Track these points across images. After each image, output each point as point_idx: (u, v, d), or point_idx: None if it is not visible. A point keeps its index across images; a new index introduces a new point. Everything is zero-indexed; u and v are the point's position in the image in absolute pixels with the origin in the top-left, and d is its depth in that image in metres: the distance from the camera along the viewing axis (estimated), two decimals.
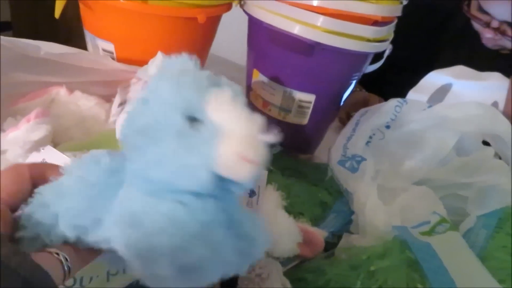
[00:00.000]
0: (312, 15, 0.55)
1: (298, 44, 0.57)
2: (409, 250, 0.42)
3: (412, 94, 0.98)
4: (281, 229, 0.42)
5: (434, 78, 0.90)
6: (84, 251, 0.28)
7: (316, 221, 0.53)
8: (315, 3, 0.55)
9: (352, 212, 0.53)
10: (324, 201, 0.55)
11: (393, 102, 0.54)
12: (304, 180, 0.60)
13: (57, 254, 0.26)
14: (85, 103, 0.52)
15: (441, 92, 0.89)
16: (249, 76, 0.69)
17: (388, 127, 0.54)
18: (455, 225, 0.47)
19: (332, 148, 0.55)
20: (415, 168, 0.53)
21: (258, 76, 0.66)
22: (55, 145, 0.46)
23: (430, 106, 0.55)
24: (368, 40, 0.57)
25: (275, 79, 0.63)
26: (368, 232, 0.46)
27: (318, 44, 0.56)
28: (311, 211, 0.54)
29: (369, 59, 0.64)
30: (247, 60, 0.70)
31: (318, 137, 0.74)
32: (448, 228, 0.45)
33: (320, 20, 0.54)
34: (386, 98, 0.89)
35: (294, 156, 0.71)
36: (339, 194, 0.57)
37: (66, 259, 0.26)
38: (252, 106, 0.70)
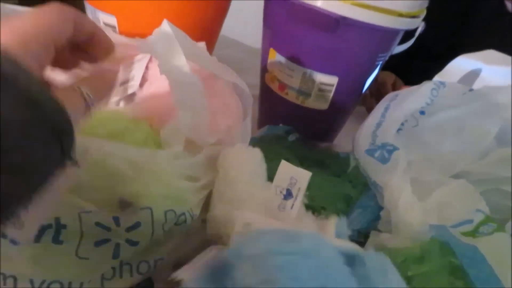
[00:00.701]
0: None
1: (320, 19, 0.51)
2: (451, 253, 0.37)
3: (438, 80, 0.92)
4: None
5: (462, 63, 0.83)
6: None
7: (340, 217, 0.47)
8: None
9: (380, 208, 0.48)
10: (348, 195, 0.50)
11: (429, 84, 0.48)
12: (325, 171, 0.54)
13: (79, 88, 0.27)
14: None
15: (470, 78, 0.82)
16: (264, 56, 0.63)
17: (422, 112, 0.48)
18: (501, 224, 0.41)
19: (358, 136, 0.49)
20: (452, 160, 0.47)
21: (274, 56, 0.60)
22: None
23: (471, 90, 0.49)
24: (400, 15, 0.51)
25: (293, 59, 0.57)
26: (402, 231, 0.40)
27: (343, 18, 0.49)
28: (334, 205, 0.48)
29: (399, 38, 0.58)
30: (263, 39, 0.64)
31: (339, 124, 0.68)
32: (495, 229, 0.39)
33: None
34: (407, 83, 0.83)
35: (313, 145, 0.65)
36: (365, 187, 0.51)
37: (89, 95, 0.27)
38: (267, 89, 0.64)
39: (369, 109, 0.80)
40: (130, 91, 0.47)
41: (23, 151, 0.21)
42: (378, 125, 0.47)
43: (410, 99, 0.47)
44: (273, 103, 0.65)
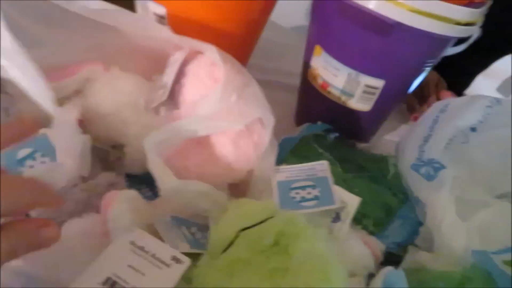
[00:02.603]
0: None
1: (374, 22, 0.49)
2: (493, 283, 0.37)
3: (481, 79, 0.89)
4: (354, 256, 0.37)
5: (509, 63, 0.80)
6: None
7: (378, 226, 0.47)
8: None
9: (420, 222, 0.47)
10: (388, 203, 0.49)
11: (483, 101, 0.46)
12: (365, 176, 0.54)
13: None
14: (124, 87, 0.46)
15: None
16: (309, 51, 0.62)
17: (473, 129, 0.47)
18: None
19: (404, 147, 0.49)
20: (498, 180, 0.46)
21: (320, 53, 0.58)
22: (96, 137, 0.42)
23: None
24: (458, 23, 0.49)
25: (340, 58, 0.56)
26: (444, 254, 0.40)
27: (399, 24, 0.48)
28: (374, 213, 0.48)
29: (451, 44, 0.55)
30: (309, 34, 0.63)
31: (379, 125, 0.67)
32: None
33: None
34: (448, 81, 0.81)
35: (351, 144, 0.64)
36: (405, 197, 0.50)
37: None
38: (308, 85, 0.63)
39: (409, 107, 0.78)
40: (162, 98, 0.46)
41: None
42: (426, 139, 0.46)
43: (462, 115, 0.46)
44: (313, 100, 0.64)
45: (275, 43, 0.87)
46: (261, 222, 0.32)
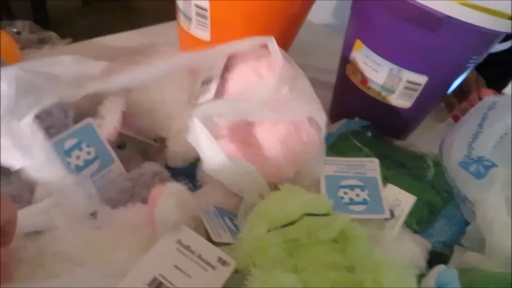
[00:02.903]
0: None
1: (422, 15, 0.48)
2: None
3: None
4: (406, 256, 0.36)
5: None
6: None
7: (422, 225, 0.46)
8: None
9: (466, 221, 0.46)
10: (432, 202, 0.48)
11: None
12: (406, 173, 0.53)
13: None
14: (168, 82, 0.46)
15: None
16: (348, 46, 0.61)
17: None
18: None
19: (450, 144, 0.47)
20: None
21: (361, 48, 0.57)
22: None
23: None
24: (510, 18, 0.47)
25: (382, 53, 0.55)
26: (496, 254, 0.39)
27: (448, 18, 0.46)
28: (417, 212, 0.46)
29: (499, 41, 0.54)
30: (348, 28, 0.62)
31: (418, 122, 0.65)
32: None
33: None
34: (486, 79, 0.79)
35: (389, 141, 0.63)
36: (449, 195, 0.49)
37: None
38: (346, 81, 0.62)
39: (448, 104, 0.76)
40: (207, 97, 0.46)
41: None
42: (475, 136, 0.45)
43: None
44: (351, 96, 0.63)
45: (306, 39, 0.86)
46: (324, 214, 0.32)
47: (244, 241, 0.31)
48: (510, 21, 0.47)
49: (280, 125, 0.43)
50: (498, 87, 0.83)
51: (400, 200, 0.40)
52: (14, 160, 0.33)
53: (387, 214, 0.39)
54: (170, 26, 0.81)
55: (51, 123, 0.41)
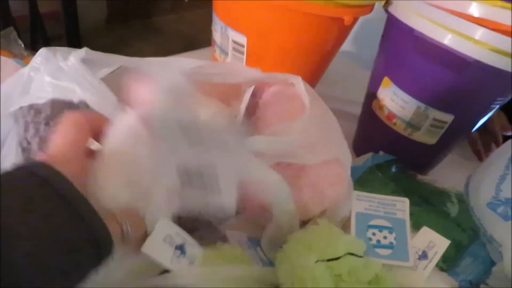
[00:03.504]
0: (474, 26, 0.47)
1: (451, 58, 0.50)
2: None
3: None
4: None
5: None
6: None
7: (448, 263, 0.47)
8: (477, 14, 0.47)
9: (491, 260, 0.47)
10: (457, 240, 0.49)
11: None
12: (431, 210, 0.54)
13: (120, 219, 0.29)
14: (205, 111, 0.48)
15: None
16: (376, 82, 0.63)
17: None
18: None
19: (478, 184, 0.49)
20: None
21: (389, 85, 0.59)
22: None
23: None
24: None
25: (410, 92, 0.57)
26: None
27: (477, 62, 0.48)
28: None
29: None
30: (376, 64, 0.64)
31: (441, 158, 0.67)
32: None
33: (485, 34, 0.47)
34: (507, 115, 0.80)
35: (413, 176, 0.64)
36: (475, 234, 0.50)
37: (127, 228, 0.29)
38: (372, 115, 0.64)
39: (470, 140, 0.78)
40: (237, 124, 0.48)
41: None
42: (502, 178, 0.46)
43: None
44: (376, 130, 0.64)
45: (332, 69, 0.88)
46: (361, 256, 0.33)
47: (297, 267, 0.33)
48: None
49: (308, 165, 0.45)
50: None
51: (435, 242, 0.41)
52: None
53: (411, 262, 0.40)
54: (201, 54, 0.84)
55: None
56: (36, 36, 1.26)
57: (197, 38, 2.24)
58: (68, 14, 1.25)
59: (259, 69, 0.48)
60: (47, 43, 1.32)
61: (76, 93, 0.36)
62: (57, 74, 0.37)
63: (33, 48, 0.68)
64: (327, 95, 0.84)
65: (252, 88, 0.50)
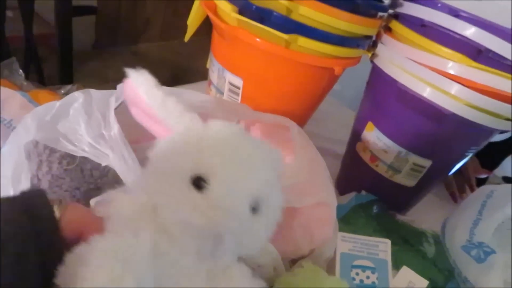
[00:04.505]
0: (450, 82, 0.52)
1: (430, 110, 0.54)
2: None
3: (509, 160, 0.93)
4: None
5: None
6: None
7: None
8: (453, 72, 0.52)
9: None
10: (433, 279, 0.52)
11: None
12: (410, 249, 0.57)
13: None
14: None
15: None
16: (360, 125, 0.67)
17: None
18: None
19: (453, 228, 0.52)
20: None
21: (372, 130, 0.63)
22: None
23: None
24: (507, 119, 0.54)
25: (392, 137, 0.61)
26: None
27: (453, 114, 0.53)
28: None
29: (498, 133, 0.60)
30: (361, 110, 0.68)
31: (419, 199, 0.70)
32: None
33: (462, 91, 0.51)
34: (480, 159, 0.85)
35: (393, 215, 0.68)
36: (450, 274, 0.53)
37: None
38: (356, 156, 0.68)
39: (447, 185, 0.82)
40: None
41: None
42: (476, 222, 0.50)
43: (509, 202, 0.50)
44: (359, 171, 0.68)
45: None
46: None
47: None
48: (506, 121, 0.54)
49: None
50: (490, 167, 0.90)
51: (414, 283, 0.44)
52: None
53: None
54: (197, 88, 0.87)
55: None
56: (30, 58, 1.27)
57: (183, 67, 2.28)
58: (63, 37, 1.27)
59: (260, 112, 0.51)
60: (38, 65, 1.33)
61: (108, 158, 0.39)
62: (97, 139, 0.39)
63: (26, 75, 0.70)
64: (313, 133, 0.88)
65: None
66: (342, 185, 0.74)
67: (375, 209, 0.64)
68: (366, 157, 0.66)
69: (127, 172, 0.39)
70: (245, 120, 0.54)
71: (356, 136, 0.68)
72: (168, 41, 2.79)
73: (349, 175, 0.73)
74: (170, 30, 2.70)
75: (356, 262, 0.45)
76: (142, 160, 0.51)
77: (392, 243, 0.57)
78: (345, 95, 1.11)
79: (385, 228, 0.60)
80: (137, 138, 0.50)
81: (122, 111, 0.45)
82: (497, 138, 0.62)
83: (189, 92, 0.49)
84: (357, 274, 0.45)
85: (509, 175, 1.05)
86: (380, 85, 0.62)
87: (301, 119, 0.66)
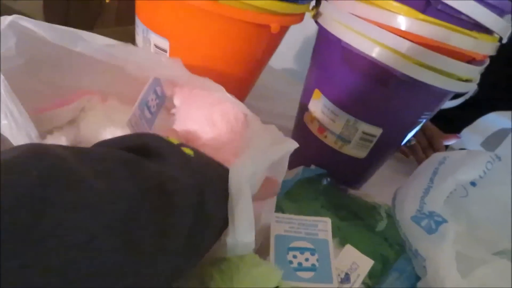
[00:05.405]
0: (401, 40, 0.47)
1: (377, 71, 0.49)
2: None
3: (466, 133, 0.91)
4: None
5: (493, 120, 0.81)
6: None
7: (375, 279, 0.45)
8: (403, 27, 0.47)
9: (416, 275, 0.46)
10: (384, 255, 0.48)
11: (484, 156, 0.46)
12: (360, 224, 0.53)
13: None
14: (121, 119, 0.43)
15: (498, 137, 0.81)
16: (307, 95, 0.62)
17: (473, 184, 0.47)
18: None
19: (403, 198, 0.48)
20: (498, 237, 0.45)
21: (319, 98, 0.58)
22: None
23: None
24: (459, 79, 0.50)
25: (339, 104, 0.56)
26: None
27: (402, 75, 0.48)
28: None
29: (449, 98, 0.56)
30: (308, 77, 0.63)
31: (372, 172, 0.66)
32: None
33: (411, 48, 0.47)
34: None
35: (344, 190, 0.63)
36: (401, 248, 0.49)
37: None
38: (304, 128, 0.63)
39: (402, 154, 0.78)
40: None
41: None
42: (426, 191, 0.45)
43: (463, 169, 0.46)
44: (308, 144, 0.63)
45: (265, 84, 0.87)
46: None
47: None
48: (459, 82, 0.50)
49: None
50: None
51: (358, 264, 0.39)
52: None
53: (335, 284, 0.38)
54: None
55: None
56: None
57: None
58: None
59: (184, 68, 0.44)
60: None
61: None
62: None
63: None
64: (260, 108, 0.83)
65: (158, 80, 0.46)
66: (292, 160, 0.69)
67: (324, 182, 0.59)
68: (314, 128, 0.61)
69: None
70: (182, 88, 0.48)
71: (303, 106, 0.63)
72: (125, 27, 2.68)
73: (297, 149, 0.68)
74: (126, 16, 2.59)
75: (293, 244, 0.40)
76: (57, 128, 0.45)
77: (341, 219, 0.53)
78: (297, 72, 1.06)
79: (334, 203, 0.55)
80: (42, 106, 0.43)
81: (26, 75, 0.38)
82: (448, 104, 0.58)
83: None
84: (295, 256, 0.39)
85: (466, 147, 1.03)
86: (325, 47, 0.56)
87: (241, 86, 0.60)
